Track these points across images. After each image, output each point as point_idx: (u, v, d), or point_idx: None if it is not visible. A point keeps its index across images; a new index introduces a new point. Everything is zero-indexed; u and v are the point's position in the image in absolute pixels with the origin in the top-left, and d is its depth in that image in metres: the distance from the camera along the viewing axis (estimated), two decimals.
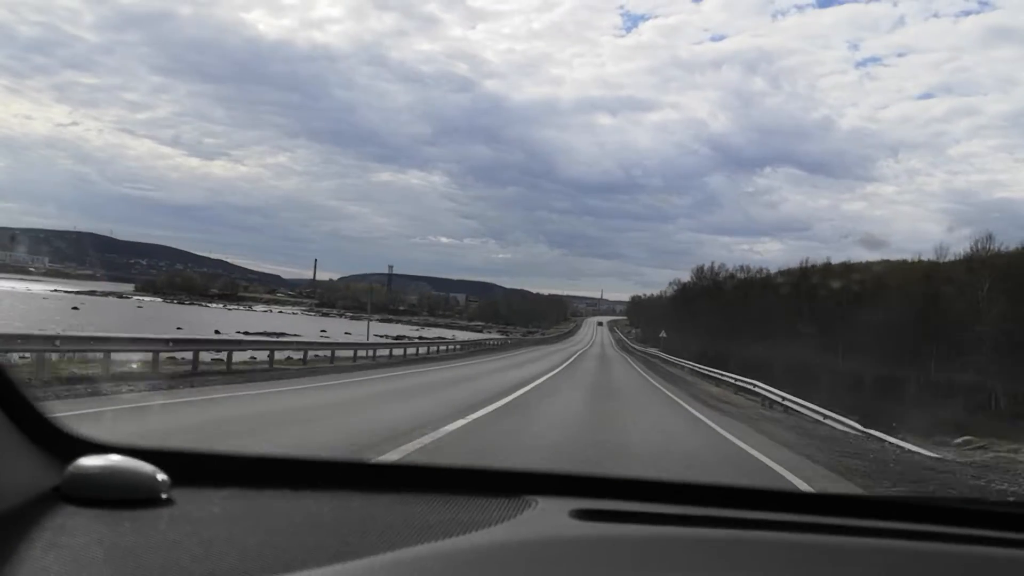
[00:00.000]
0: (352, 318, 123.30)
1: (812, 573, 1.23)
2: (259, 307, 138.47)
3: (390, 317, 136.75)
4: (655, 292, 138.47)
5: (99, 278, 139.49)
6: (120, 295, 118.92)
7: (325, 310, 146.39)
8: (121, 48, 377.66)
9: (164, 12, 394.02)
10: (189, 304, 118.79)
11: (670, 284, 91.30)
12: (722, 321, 53.40)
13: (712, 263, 79.23)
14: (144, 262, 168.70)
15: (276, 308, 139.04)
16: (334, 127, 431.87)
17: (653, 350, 54.60)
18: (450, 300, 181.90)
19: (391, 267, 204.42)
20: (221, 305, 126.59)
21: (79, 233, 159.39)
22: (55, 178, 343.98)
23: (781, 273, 57.11)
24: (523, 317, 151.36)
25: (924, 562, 1.27)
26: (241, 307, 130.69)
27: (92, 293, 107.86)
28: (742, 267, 74.17)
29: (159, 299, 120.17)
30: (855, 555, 1.27)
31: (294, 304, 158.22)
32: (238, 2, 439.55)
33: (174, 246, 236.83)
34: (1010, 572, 1.28)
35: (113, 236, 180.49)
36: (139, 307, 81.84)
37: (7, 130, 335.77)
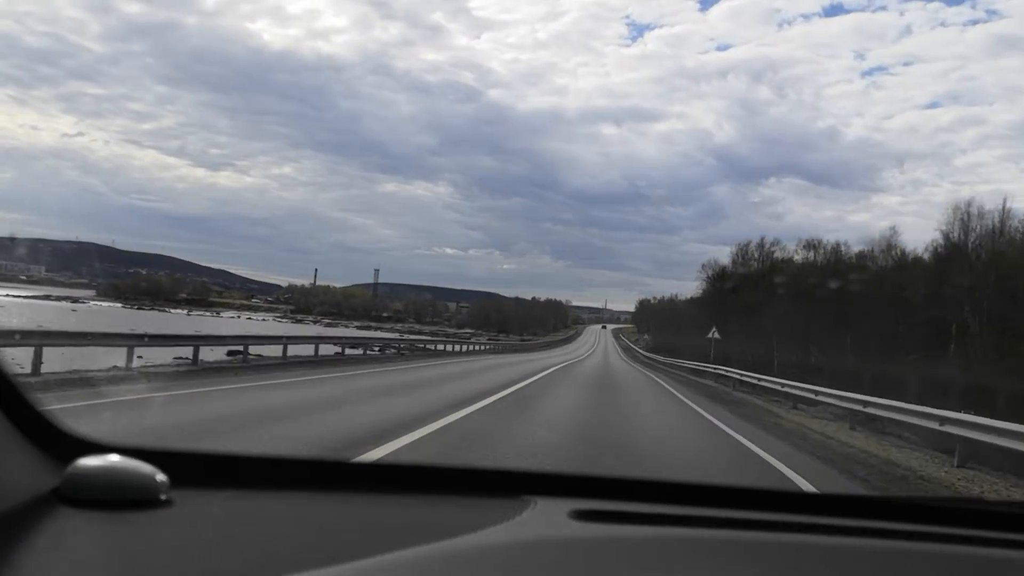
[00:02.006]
0: (328, 324, 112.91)
1: (813, 574, 1.22)
2: (228, 313, 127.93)
3: (371, 324, 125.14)
4: (666, 295, 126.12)
5: (95, 287, 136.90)
6: (75, 300, 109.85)
7: (300, 316, 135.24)
8: (127, 58, 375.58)
9: (169, 22, 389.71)
10: (149, 309, 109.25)
11: (703, 267, 66.40)
12: (800, 320, 37.33)
13: (762, 237, 60.67)
14: (144, 271, 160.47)
15: (246, 314, 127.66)
16: (339, 138, 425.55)
17: (688, 363, 39.02)
18: (438, 306, 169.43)
19: (377, 270, 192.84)
20: (185, 311, 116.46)
21: (80, 243, 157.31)
22: (61, 189, 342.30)
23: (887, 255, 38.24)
24: (518, 323, 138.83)
25: (925, 563, 1.26)
26: (208, 313, 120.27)
27: (47, 297, 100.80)
28: (809, 242, 53.56)
29: (118, 304, 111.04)
30: (856, 556, 1.26)
31: (267, 310, 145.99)
32: (243, 12, 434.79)
33: (176, 256, 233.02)
34: (1011, 573, 1.27)
35: (114, 246, 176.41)
36: (72, 310, 71.57)
37: (14, 141, 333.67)
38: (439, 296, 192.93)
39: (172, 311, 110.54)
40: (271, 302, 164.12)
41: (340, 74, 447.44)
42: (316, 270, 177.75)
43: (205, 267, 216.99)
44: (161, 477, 1.19)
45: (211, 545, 1.10)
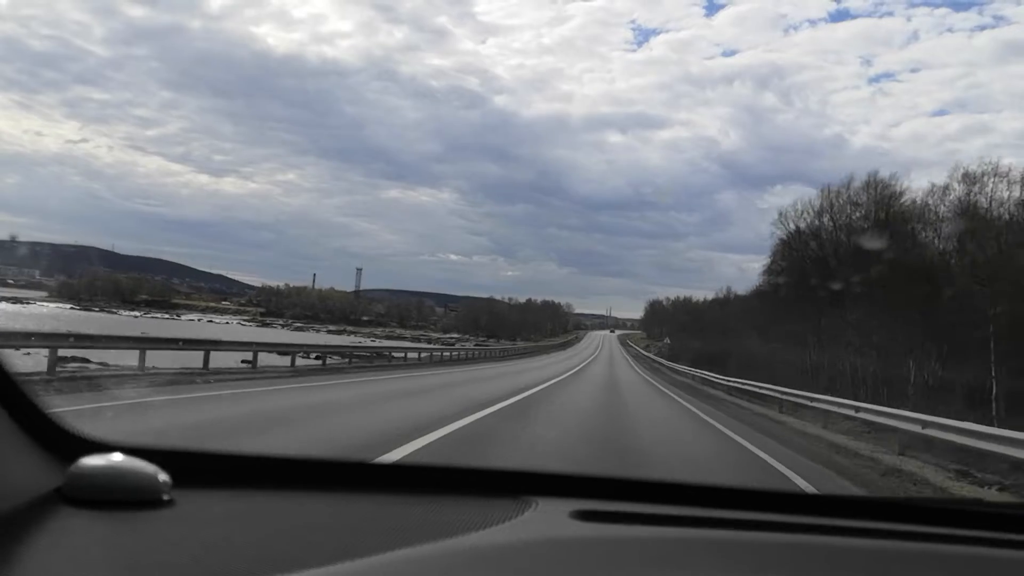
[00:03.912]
0: (297, 329, 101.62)
1: (814, 574, 1.21)
2: (191, 315, 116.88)
3: (347, 328, 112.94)
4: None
5: (47, 287, 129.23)
6: (18, 300, 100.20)
7: (269, 319, 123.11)
8: (131, 63, 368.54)
9: (174, 26, 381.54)
10: (99, 311, 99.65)
11: (781, 216, 37.99)
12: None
13: (871, 174, 33.49)
14: (144, 276, 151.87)
15: (209, 317, 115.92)
16: (343, 144, 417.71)
17: (792, 393, 19.24)
18: (424, 309, 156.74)
19: (359, 270, 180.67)
20: (139, 313, 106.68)
21: (78, 247, 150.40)
22: (66, 194, 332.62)
23: None
24: (510, 328, 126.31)
25: (926, 563, 1.26)
26: (166, 315, 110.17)
27: None
28: (967, 175, 26.44)
29: (68, 305, 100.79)
30: (858, 556, 1.26)
31: (235, 313, 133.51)
32: (248, 15, 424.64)
33: (176, 260, 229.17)
34: (1010, 572, 1.27)
35: (114, 250, 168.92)
36: None
37: (19, 147, 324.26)
38: (441, 302, 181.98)
39: (123, 313, 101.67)
40: (243, 304, 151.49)
41: (345, 79, 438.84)
42: (315, 275, 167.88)
43: (204, 272, 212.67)
44: (163, 476, 1.19)
45: (213, 544, 1.10)
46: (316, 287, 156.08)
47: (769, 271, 39.94)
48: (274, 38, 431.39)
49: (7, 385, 1.21)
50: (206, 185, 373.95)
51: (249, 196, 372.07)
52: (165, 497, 1.18)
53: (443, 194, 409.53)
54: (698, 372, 37.05)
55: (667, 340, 64.56)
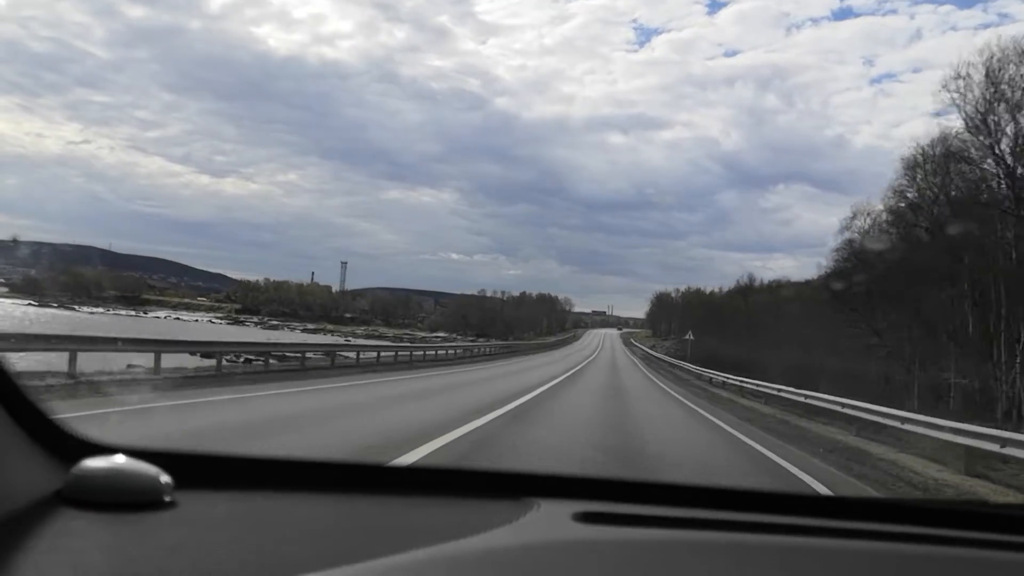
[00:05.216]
0: (271, 327, 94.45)
1: None
2: (160, 312, 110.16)
3: (327, 326, 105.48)
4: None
5: (8, 283, 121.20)
6: None
7: (244, 316, 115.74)
8: (132, 65, 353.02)
9: (174, 27, 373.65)
10: (58, 308, 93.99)
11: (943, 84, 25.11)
12: None
13: None
14: (137, 275, 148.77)
15: (179, 313, 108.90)
16: (345, 145, 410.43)
17: None
18: (411, 305, 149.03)
19: (344, 263, 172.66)
20: (102, 310, 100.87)
21: (75, 246, 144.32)
22: (68, 196, 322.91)
23: None
24: (502, 325, 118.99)
25: (937, 566, 1.25)
26: (132, 312, 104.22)
27: None
28: None
29: (25, 301, 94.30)
30: (864, 559, 1.24)
31: (209, 309, 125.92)
32: (248, 16, 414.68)
33: (174, 259, 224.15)
34: (1015, 575, 1.25)
35: (111, 249, 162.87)
36: None
37: (20, 148, 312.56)
38: (441, 300, 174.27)
39: (83, 309, 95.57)
40: (220, 301, 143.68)
41: (346, 82, 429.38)
42: (313, 273, 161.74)
43: (202, 271, 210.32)
44: (165, 478, 1.19)
45: (215, 546, 1.09)
46: (309, 283, 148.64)
47: (896, 218, 21.10)
48: (275, 39, 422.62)
49: (8, 388, 1.19)
50: (207, 186, 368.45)
51: (250, 197, 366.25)
52: (167, 499, 1.17)
53: (444, 194, 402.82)
54: (795, 392, 19.71)
55: (689, 336, 55.19)
